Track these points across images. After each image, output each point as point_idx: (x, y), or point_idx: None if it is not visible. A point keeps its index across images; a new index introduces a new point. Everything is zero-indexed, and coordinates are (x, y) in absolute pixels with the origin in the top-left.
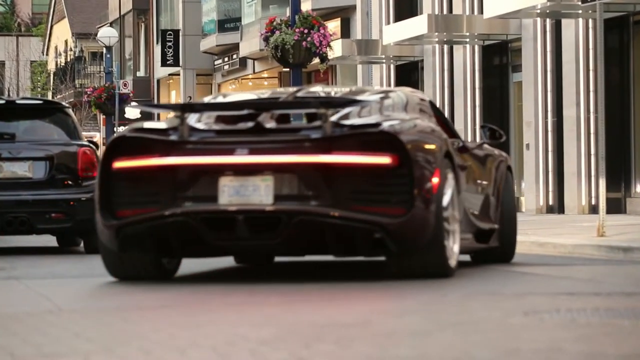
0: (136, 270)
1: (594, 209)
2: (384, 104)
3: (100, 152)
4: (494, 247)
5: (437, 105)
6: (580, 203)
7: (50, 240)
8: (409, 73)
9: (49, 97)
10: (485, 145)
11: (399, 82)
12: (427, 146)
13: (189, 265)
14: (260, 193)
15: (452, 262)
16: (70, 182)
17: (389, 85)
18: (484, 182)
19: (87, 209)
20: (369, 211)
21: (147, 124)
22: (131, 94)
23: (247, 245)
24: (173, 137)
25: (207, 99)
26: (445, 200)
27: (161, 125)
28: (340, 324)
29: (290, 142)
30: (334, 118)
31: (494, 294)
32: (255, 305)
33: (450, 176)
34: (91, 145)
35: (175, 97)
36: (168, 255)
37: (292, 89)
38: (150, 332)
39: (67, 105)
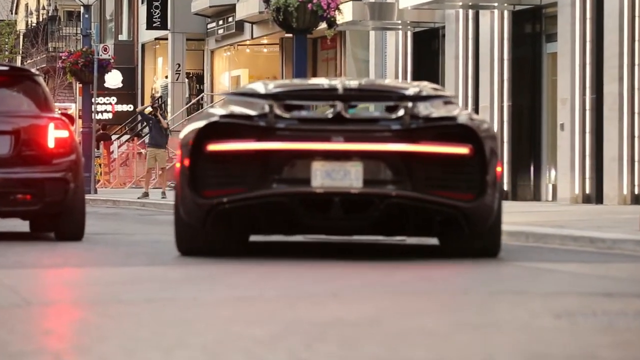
0: (208, 246)
1: (636, 199)
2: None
3: (75, 126)
4: None
5: (460, 79)
6: (622, 192)
7: (17, 225)
8: (428, 41)
9: (18, 62)
10: None
11: (417, 51)
12: (493, 137)
13: (172, 252)
14: (350, 177)
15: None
16: (39, 160)
17: (405, 55)
18: None
19: (58, 190)
20: (443, 196)
21: (234, 110)
22: (112, 60)
23: (339, 225)
24: (262, 124)
25: (255, 87)
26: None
27: (248, 111)
28: (346, 322)
29: (377, 132)
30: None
31: (521, 293)
32: (251, 300)
33: None
34: (64, 118)
35: (162, 64)
36: (254, 232)
37: (320, 80)
38: (132, 329)
39: (36, 72)
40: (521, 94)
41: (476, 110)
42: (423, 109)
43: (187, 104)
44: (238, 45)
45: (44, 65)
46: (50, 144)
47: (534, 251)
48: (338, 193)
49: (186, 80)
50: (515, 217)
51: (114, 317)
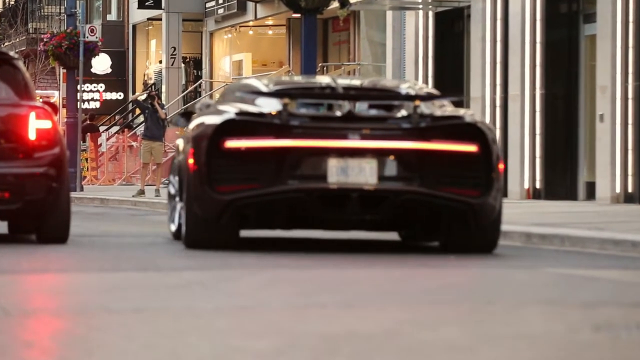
0: (217, 241)
1: None
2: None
3: (59, 116)
4: None
5: (488, 65)
6: None
7: None
8: (451, 22)
9: None
10: None
11: (439, 33)
12: (495, 136)
13: (166, 256)
14: (365, 174)
15: None
16: (18, 153)
17: (426, 37)
18: None
19: (40, 186)
20: (453, 192)
21: (251, 109)
22: (100, 43)
23: (355, 220)
24: (277, 121)
25: (258, 84)
26: None
27: (261, 109)
28: (359, 334)
29: (389, 130)
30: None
31: (555, 302)
32: (252, 309)
33: None
34: (47, 107)
35: (155, 47)
36: (269, 227)
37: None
38: (121, 341)
39: (15, 56)
40: (555, 82)
41: (505, 99)
42: (427, 108)
43: (183, 91)
44: (240, 26)
45: (24, 48)
46: (31, 135)
47: (570, 256)
48: (354, 189)
49: (182, 65)
50: (548, 218)
51: (101, 328)
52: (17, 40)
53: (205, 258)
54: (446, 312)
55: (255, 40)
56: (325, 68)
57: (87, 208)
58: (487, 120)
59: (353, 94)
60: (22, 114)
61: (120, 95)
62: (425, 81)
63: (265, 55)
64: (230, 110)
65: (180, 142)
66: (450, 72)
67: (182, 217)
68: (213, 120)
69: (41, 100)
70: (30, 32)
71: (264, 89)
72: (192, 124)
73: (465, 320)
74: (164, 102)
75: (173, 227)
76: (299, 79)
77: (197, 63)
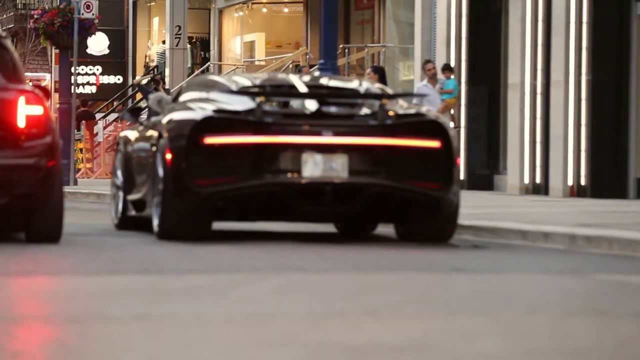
0: (190, 233)
1: None
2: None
3: (51, 102)
4: None
5: (528, 48)
6: None
7: None
8: (487, 2)
9: None
10: None
11: (474, 14)
12: (454, 133)
13: (170, 257)
14: (337, 168)
15: None
16: (6, 142)
17: (459, 17)
18: None
19: (30, 179)
20: (418, 185)
21: (225, 106)
22: (96, 21)
23: (329, 211)
24: (252, 118)
25: (228, 81)
26: None
27: (236, 107)
28: (387, 347)
29: (358, 127)
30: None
31: (606, 312)
32: (266, 317)
33: None
34: (38, 91)
35: (158, 25)
36: (246, 219)
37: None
38: (120, 352)
39: (3, 34)
40: (603, 66)
41: (547, 85)
42: (391, 106)
43: (189, 75)
44: (253, 3)
45: (12, 26)
46: (20, 122)
47: (619, 261)
48: (327, 183)
49: (188, 46)
50: (595, 218)
51: (97, 337)
52: (5, 17)
53: (213, 260)
54: (483, 322)
55: (269, 18)
56: (346, 50)
57: (82, 204)
58: (527, 108)
59: (319, 92)
60: (10, 98)
61: (118, 79)
62: (458, 65)
63: (280, 36)
64: (207, 108)
65: (130, 135)
66: (486, 56)
67: (129, 209)
68: (188, 116)
69: (31, 83)
70: (19, 8)
71: (234, 87)
72: (164, 120)
73: (505, 331)
74: (167, 86)
75: (115, 220)
76: (258, 75)
77: (204, 44)
